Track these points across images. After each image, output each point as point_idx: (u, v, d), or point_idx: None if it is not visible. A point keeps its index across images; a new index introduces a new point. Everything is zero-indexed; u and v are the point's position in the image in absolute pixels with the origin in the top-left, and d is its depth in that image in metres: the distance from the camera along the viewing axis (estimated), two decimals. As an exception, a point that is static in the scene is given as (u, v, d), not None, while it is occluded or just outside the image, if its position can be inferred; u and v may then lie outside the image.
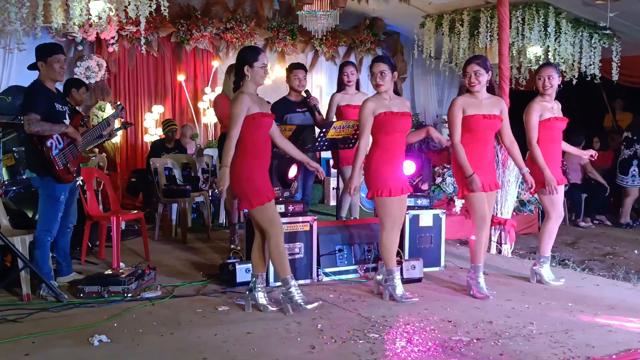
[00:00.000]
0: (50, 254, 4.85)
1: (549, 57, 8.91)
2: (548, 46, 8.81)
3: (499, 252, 6.41)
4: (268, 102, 6.54)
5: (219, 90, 8.57)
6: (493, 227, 6.24)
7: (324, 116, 6.31)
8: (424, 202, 5.71)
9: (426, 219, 5.62)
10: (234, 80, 4.36)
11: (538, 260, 5.23)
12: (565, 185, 5.27)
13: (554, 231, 5.21)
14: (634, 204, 8.98)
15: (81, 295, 4.57)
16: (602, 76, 9.27)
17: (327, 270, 5.20)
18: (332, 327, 3.94)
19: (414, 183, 5.69)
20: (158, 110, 9.72)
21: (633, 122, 9.38)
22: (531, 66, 9.10)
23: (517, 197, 6.96)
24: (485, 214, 4.72)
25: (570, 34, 8.71)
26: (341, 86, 6.22)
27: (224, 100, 5.90)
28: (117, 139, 9.17)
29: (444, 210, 5.84)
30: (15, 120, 6.14)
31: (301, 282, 5.03)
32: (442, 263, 5.69)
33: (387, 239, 4.57)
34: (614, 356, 3.49)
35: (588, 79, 9.09)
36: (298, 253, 5.07)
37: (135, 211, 6.32)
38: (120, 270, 4.88)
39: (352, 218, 6.21)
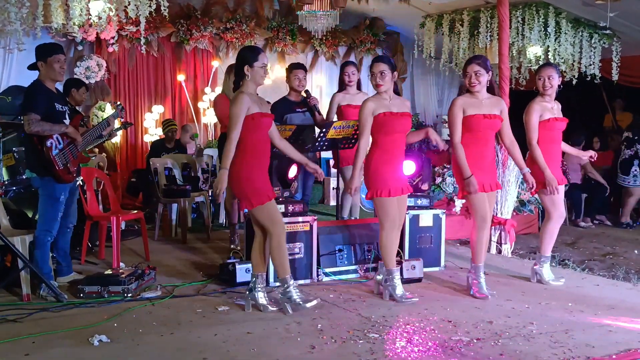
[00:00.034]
0: (50, 254, 4.85)
1: (549, 57, 8.91)
2: (548, 46, 8.81)
3: (499, 252, 6.41)
4: (268, 102, 6.56)
5: (219, 90, 8.57)
6: (493, 227, 6.24)
7: (325, 116, 6.31)
8: (424, 202, 5.71)
9: (426, 219, 5.62)
10: (234, 80, 4.36)
11: (539, 260, 5.23)
12: (566, 185, 5.27)
13: (555, 231, 5.21)
14: (635, 204, 8.99)
15: (81, 295, 4.57)
16: (602, 76, 9.28)
17: (327, 270, 5.20)
18: (332, 327, 3.94)
19: (414, 183, 5.69)
20: (158, 110, 9.72)
21: (633, 122, 9.38)
22: (531, 66, 9.10)
23: (517, 197, 6.96)
24: (486, 214, 4.72)
25: (570, 34, 8.72)
26: (342, 86, 6.22)
27: (224, 100, 5.90)
28: (117, 139, 9.17)
29: (444, 210, 5.84)
30: (15, 120, 6.14)
31: (301, 282, 5.04)
32: (442, 263, 5.69)
33: (387, 239, 4.57)
34: (614, 356, 3.49)
35: (588, 79, 9.09)
36: (298, 253, 5.07)
37: (135, 211, 6.32)
38: (120, 270, 4.88)
39: (352, 218, 6.22)
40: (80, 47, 9.06)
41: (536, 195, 5.56)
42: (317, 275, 5.15)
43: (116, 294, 4.55)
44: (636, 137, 8.82)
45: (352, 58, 11.00)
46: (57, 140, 4.72)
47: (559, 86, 5.11)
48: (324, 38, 10.58)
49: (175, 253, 6.31)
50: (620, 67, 8.94)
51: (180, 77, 9.93)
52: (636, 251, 6.86)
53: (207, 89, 10.03)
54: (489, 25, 8.72)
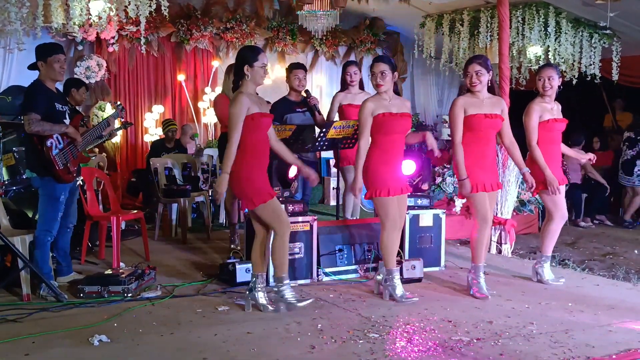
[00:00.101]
0: (50, 254, 4.84)
1: (549, 57, 8.91)
2: (548, 46, 8.81)
3: (499, 252, 6.41)
4: (268, 102, 6.56)
5: (219, 90, 8.57)
6: (493, 227, 6.24)
7: (326, 115, 6.31)
8: (424, 202, 5.71)
9: (426, 219, 5.62)
10: (233, 79, 4.36)
11: (539, 260, 5.23)
12: (566, 185, 5.27)
13: (557, 232, 5.20)
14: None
15: (81, 295, 4.57)
16: (602, 76, 9.28)
17: (327, 270, 5.20)
18: (332, 327, 3.94)
19: (414, 183, 5.69)
20: (158, 110, 9.72)
21: (635, 122, 9.37)
22: (531, 66, 9.11)
23: (517, 197, 6.96)
24: (487, 213, 4.72)
25: (570, 34, 8.72)
26: (344, 86, 6.23)
27: (224, 100, 5.90)
28: (117, 139, 9.17)
29: (444, 210, 5.84)
30: (15, 120, 6.14)
31: (301, 282, 5.05)
32: (442, 263, 5.69)
33: (388, 239, 4.57)
34: (614, 356, 3.49)
35: (588, 79, 9.09)
36: (298, 253, 5.06)
37: (135, 211, 6.32)
38: (120, 270, 4.88)
39: (353, 218, 6.22)
40: (80, 47, 9.06)
41: (537, 196, 5.57)
42: (317, 275, 5.15)
43: (116, 294, 4.55)
44: (639, 137, 8.82)
45: (352, 58, 11.00)
46: (57, 140, 4.71)
47: (559, 87, 5.11)
48: (324, 38, 10.58)
49: (175, 253, 6.31)
50: (620, 67, 8.95)
51: (180, 77, 9.93)
52: (636, 251, 6.86)
53: (207, 89, 10.03)
54: (489, 25, 8.72)
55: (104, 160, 7.80)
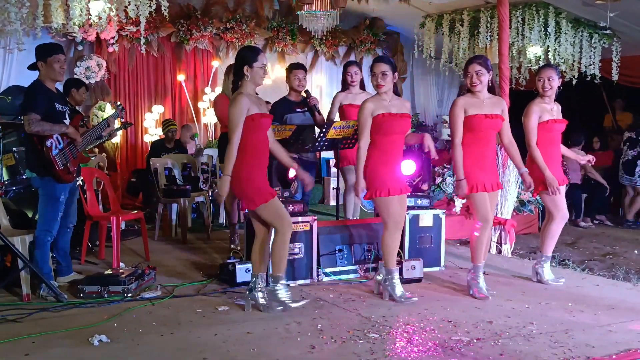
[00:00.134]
0: (50, 254, 4.84)
1: (549, 57, 8.91)
2: (548, 46, 8.81)
3: (499, 252, 6.41)
4: (268, 102, 6.56)
5: (219, 90, 8.57)
6: (493, 227, 6.24)
7: (326, 115, 6.31)
8: (424, 202, 5.71)
9: (426, 219, 5.62)
10: (233, 80, 4.35)
11: (539, 259, 5.23)
12: (566, 185, 5.27)
13: (558, 232, 5.20)
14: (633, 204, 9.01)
15: (81, 295, 4.57)
16: (602, 76, 9.28)
17: (327, 270, 5.20)
18: (332, 327, 3.94)
19: (414, 183, 5.69)
20: (158, 110, 9.72)
21: (636, 122, 9.38)
22: (531, 66, 9.11)
23: (517, 197, 6.96)
24: (488, 213, 4.72)
25: (570, 34, 8.72)
26: (345, 86, 6.23)
27: (223, 100, 5.90)
28: (117, 139, 9.17)
29: (444, 210, 5.84)
30: (15, 120, 6.14)
31: (301, 282, 5.05)
32: (442, 263, 5.69)
33: (389, 238, 4.58)
34: (614, 356, 3.49)
35: (588, 79, 9.09)
36: (298, 253, 5.06)
37: (135, 211, 6.32)
38: (120, 270, 4.88)
39: (352, 218, 6.22)
40: (80, 47, 9.06)
41: (537, 196, 5.57)
42: (317, 275, 5.15)
43: (116, 294, 4.55)
44: None
45: (352, 58, 11.00)
46: (57, 140, 4.71)
47: (558, 87, 5.11)
48: (324, 38, 10.58)
49: (175, 253, 6.31)
50: (620, 67, 8.94)
51: (180, 77, 9.93)
52: (636, 251, 6.86)
53: (207, 89, 10.03)
54: (489, 25, 8.73)
55: (104, 160, 7.80)
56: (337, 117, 6.16)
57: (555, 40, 8.65)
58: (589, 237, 7.74)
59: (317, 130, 5.98)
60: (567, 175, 7.62)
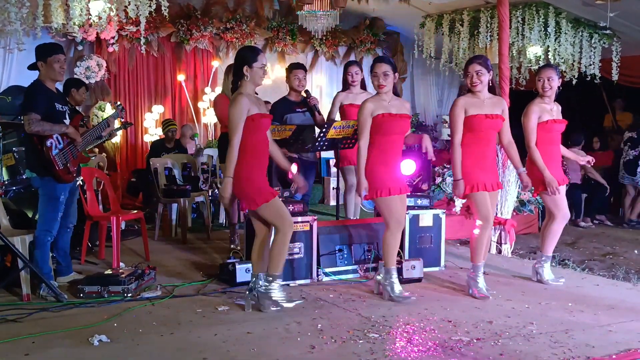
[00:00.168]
0: (50, 254, 4.84)
1: (549, 57, 8.91)
2: (548, 46, 8.81)
3: (499, 252, 6.41)
4: (268, 102, 6.55)
5: (219, 90, 8.57)
6: (493, 227, 6.24)
7: (326, 115, 6.31)
8: (424, 202, 5.71)
9: (426, 219, 5.62)
10: (232, 80, 4.35)
11: (540, 259, 5.23)
12: (566, 185, 5.27)
13: (559, 232, 5.20)
14: (633, 203, 9.00)
15: (81, 295, 4.57)
16: (602, 76, 9.28)
17: (327, 270, 5.20)
18: (332, 327, 3.94)
19: (414, 183, 5.69)
20: (158, 110, 9.72)
21: (637, 122, 9.38)
22: (531, 66, 9.11)
23: (517, 197, 6.96)
24: (489, 213, 4.72)
25: (570, 34, 8.72)
26: (346, 86, 6.23)
27: (223, 100, 5.90)
28: (117, 139, 9.18)
29: (444, 210, 5.84)
30: (15, 120, 6.14)
31: (301, 282, 5.05)
32: (442, 263, 5.69)
33: (391, 238, 4.58)
34: (614, 356, 3.49)
35: (588, 79, 9.10)
36: (298, 253, 5.06)
37: (135, 211, 6.32)
38: (120, 270, 4.88)
39: (353, 218, 6.22)
40: (80, 47, 9.06)
41: (537, 196, 5.57)
42: (317, 275, 5.15)
43: (116, 294, 4.55)
44: None
45: (352, 58, 11.00)
46: (57, 140, 4.71)
47: (558, 88, 5.11)
48: (324, 38, 10.58)
49: (175, 253, 6.31)
50: (620, 67, 8.95)
51: (180, 77, 9.93)
52: (636, 251, 6.86)
53: (207, 89, 10.03)
54: (489, 25, 8.73)
55: (104, 160, 7.81)
56: (337, 117, 6.16)
57: (555, 40, 8.65)
58: (589, 237, 7.74)
59: (317, 130, 5.98)
60: (567, 175, 7.63)
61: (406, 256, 5.43)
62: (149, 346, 3.62)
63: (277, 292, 4.27)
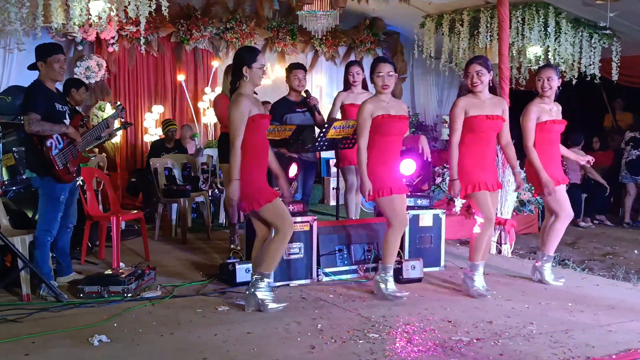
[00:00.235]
0: (50, 254, 4.84)
1: (549, 57, 8.91)
2: (548, 46, 8.81)
3: (499, 252, 6.41)
4: (267, 102, 6.56)
5: (219, 90, 8.57)
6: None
7: (327, 115, 6.31)
8: (424, 202, 5.72)
9: (426, 219, 5.62)
10: (231, 80, 4.34)
11: (541, 259, 5.22)
12: (566, 185, 5.26)
13: (562, 231, 5.19)
14: (634, 204, 9.00)
15: (81, 295, 4.57)
16: (602, 76, 9.28)
17: (327, 270, 5.20)
18: (332, 327, 3.94)
19: (414, 183, 5.69)
20: (158, 110, 9.72)
21: (637, 122, 9.38)
22: (531, 66, 9.11)
23: (517, 197, 6.96)
24: (491, 213, 4.73)
25: (570, 34, 8.72)
26: (347, 85, 6.23)
27: (223, 100, 5.90)
28: (117, 139, 9.17)
29: (444, 210, 5.84)
30: (15, 120, 6.14)
31: (301, 282, 5.05)
32: (442, 263, 5.70)
33: (393, 237, 4.60)
34: (614, 356, 3.49)
35: (588, 79, 9.10)
36: (298, 253, 5.06)
37: (135, 211, 6.32)
38: (120, 270, 4.88)
39: (353, 218, 6.22)
40: (80, 47, 9.06)
41: (538, 197, 5.57)
42: (317, 275, 5.15)
43: (116, 294, 4.55)
44: None
45: (352, 58, 10.99)
46: (57, 140, 4.71)
47: (558, 87, 5.10)
48: (324, 38, 10.58)
49: (175, 253, 6.31)
50: (620, 67, 8.95)
51: (180, 77, 9.93)
52: (636, 251, 6.87)
53: (207, 89, 10.03)
54: (489, 25, 8.72)
55: (104, 160, 7.80)
56: (339, 117, 6.16)
57: (555, 40, 8.65)
58: (589, 237, 7.74)
59: (317, 130, 5.98)
60: (567, 175, 7.63)
61: (406, 256, 5.43)
62: (149, 346, 3.62)
63: (263, 291, 4.24)
